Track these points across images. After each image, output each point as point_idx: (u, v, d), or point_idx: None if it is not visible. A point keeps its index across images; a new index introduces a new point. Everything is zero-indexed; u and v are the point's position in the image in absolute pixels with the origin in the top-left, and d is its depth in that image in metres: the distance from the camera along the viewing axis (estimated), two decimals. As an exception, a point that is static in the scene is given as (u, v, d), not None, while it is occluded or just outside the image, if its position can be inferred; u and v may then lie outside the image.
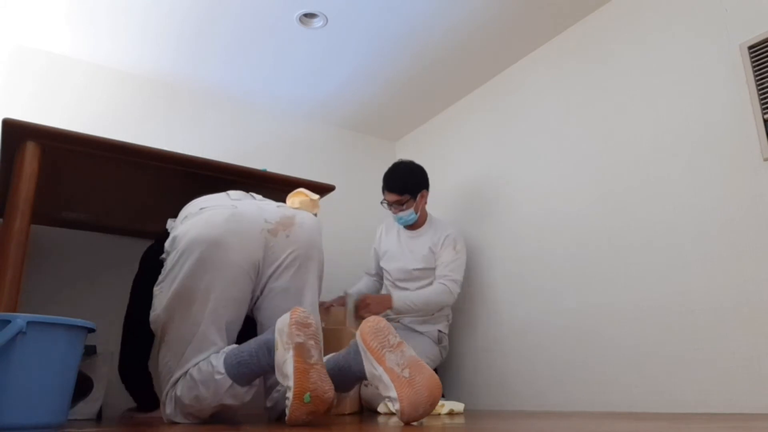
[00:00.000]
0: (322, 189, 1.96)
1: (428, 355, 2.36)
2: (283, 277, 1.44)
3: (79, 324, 1.11)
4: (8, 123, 1.44)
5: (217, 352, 1.33)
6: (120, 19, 2.26)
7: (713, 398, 1.64)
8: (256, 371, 1.25)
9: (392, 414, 1.79)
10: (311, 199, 1.51)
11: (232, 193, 1.54)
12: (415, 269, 2.43)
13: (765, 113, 1.63)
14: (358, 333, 1.20)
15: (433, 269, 2.41)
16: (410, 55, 2.54)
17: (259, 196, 1.58)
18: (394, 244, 2.53)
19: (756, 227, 1.62)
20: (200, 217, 1.38)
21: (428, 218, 2.54)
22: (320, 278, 1.54)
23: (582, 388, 2.03)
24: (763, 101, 1.64)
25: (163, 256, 1.43)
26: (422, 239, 2.47)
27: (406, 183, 2.40)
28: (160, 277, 1.39)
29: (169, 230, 1.47)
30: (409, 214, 2.43)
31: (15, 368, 0.99)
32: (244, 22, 2.30)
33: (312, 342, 1.14)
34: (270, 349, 1.21)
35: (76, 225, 2.16)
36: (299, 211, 1.50)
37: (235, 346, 1.33)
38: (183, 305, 1.33)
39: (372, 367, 1.15)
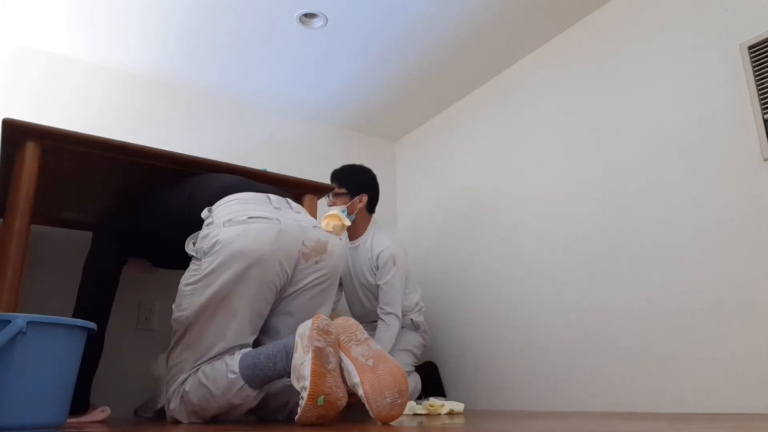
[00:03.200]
0: (322, 189, 1.96)
1: (412, 342, 2.38)
2: (301, 298, 1.48)
3: (79, 324, 1.11)
4: (8, 123, 1.44)
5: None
6: (120, 19, 2.26)
7: (713, 398, 1.64)
8: (271, 375, 1.26)
9: (417, 415, 1.79)
10: (343, 224, 1.55)
11: (274, 198, 1.51)
12: (362, 284, 2.42)
13: (765, 113, 1.63)
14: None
15: (375, 283, 2.37)
16: (410, 55, 2.54)
17: (296, 206, 1.56)
18: None
19: (756, 227, 1.62)
20: (248, 229, 1.36)
21: (369, 230, 2.43)
22: (333, 300, 1.58)
23: (582, 388, 2.03)
24: (763, 101, 1.64)
25: (192, 252, 1.41)
26: (360, 251, 2.41)
27: (348, 177, 2.36)
28: (193, 277, 1.36)
29: (204, 218, 1.43)
30: (340, 210, 2.27)
31: (15, 368, 0.99)
32: (244, 22, 2.30)
33: (331, 349, 1.16)
34: (288, 352, 1.22)
35: (76, 225, 2.16)
36: (332, 237, 1.54)
37: (250, 349, 1.34)
38: (213, 313, 1.34)
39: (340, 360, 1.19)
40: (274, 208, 1.46)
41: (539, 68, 2.48)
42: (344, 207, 2.31)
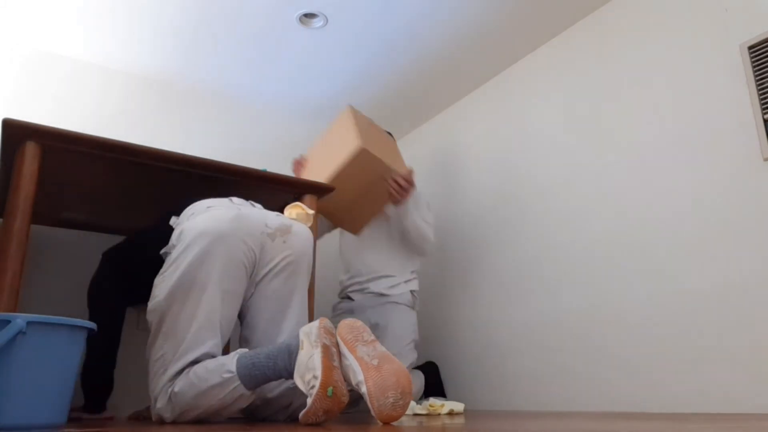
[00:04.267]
0: (322, 189, 1.96)
1: (412, 328, 2.34)
2: (275, 280, 1.51)
3: (80, 324, 1.11)
4: (8, 123, 1.44)
5: (215, 345, 1.36)
6: (120, 19, 2.26)
7: (713, 398, 1.64)
8: (269, 375, 1.26)
9: (417, 415, 1.79)
10: (307, 213, 1.62)
11: (235, 199, 1.60)
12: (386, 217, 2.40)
13: (765, 113, 1.63)
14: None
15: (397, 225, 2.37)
16: (410, 54, 2.54)
17: (258, 205, 1.64)
18: None
19: (756, 227, 1.62)
20: (208, 214, 1.45)
21: None
22: (307, 287, 1.61)
23: (582, 388, 2.03)
24: (763, 101, 1.64)
25: (166, 250, 1.48)
26: None
27: None
28: (163, 268, 1.43)
29: (173, 226, 1.52)
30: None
31: (15, 368, 0.99)
32: (243, 22, 2.30)
33: (334, 350, 1.19)
34: (291, 352, 1.23)
35: (76, 225, 2.16)
36: (296, 222, 1.59)
37: (246, 350, 1.35)
38: (183, 293, 1.37)
39: (343, 357, 1.21)
40: (235, 204, 1.55)
41: (539, 68, 2.48)
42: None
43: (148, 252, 1.64)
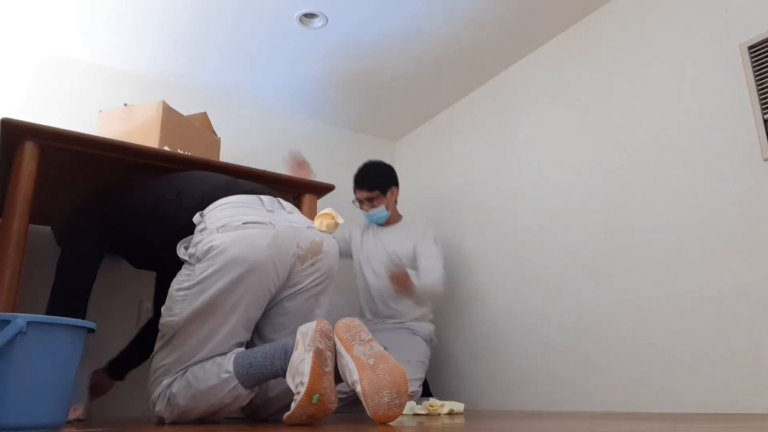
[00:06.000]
0: (322, 189, 1.96)
1: (425, 354, 2.36)
2: (298, 298, 1.49)
3: (80, 324, 1.10)
4: (7, 123, 1.43)
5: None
6: (120, 19, 2.25)
7: (713, 398, 1.64)
8: (266, 374, 1.26)
9: (417, 415, 1.79)
10: (336, 222, 1.56)
11: (266, 199, 1.51)
12: (395, 260, 2.41)
13: (765, 113, 1.63)
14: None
15: (410, 263, 2.41)
16: (410, 55, 2.54)
17: (288, 205, 1.56)
18: (370, 244, 2.52)
19: (756, 227, 1.62)
20: (243, 234, 1.35)
21: (403, 218, 2.58)
22: (328, 304, 1.59)
23: (582, 388, 2.03)
24: (763, 101, 1.64)
25: (185, 257, 1.40)
26: (399, 234, 2.48)
27: (376, 179, 2.48)
28: (186, 282, 1.35)
29: (196, 224, 1.42)
30: (380, 211, 2.47)
31: (15, 368, 0.99)
32: (243, 22, 2.30)
33: (329, 353, 1.18)
34: (287, 351, 1.22)
35: (75, 225, 2.15)
36: (326, 237, 1.54)
37: (243, 349, 1.34)
38: (205, 316, 1.33)
39: (340, 356, 1.19)
40: (267, 210, 1.46)
41: (539, 69, 2.48)
42: (383, 206, 2.45)
43: (148, 232, 1.51)
